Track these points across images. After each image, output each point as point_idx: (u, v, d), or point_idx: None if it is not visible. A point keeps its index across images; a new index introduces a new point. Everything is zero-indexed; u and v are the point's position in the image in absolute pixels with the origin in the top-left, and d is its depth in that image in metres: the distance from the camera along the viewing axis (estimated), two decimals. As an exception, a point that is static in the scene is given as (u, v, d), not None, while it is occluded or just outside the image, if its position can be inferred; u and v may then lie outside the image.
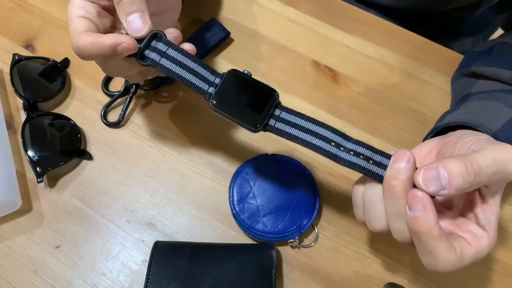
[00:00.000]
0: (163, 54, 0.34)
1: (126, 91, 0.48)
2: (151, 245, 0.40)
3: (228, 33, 0.51)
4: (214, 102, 0.33)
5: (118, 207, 0.44)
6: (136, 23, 0.34)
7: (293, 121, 0.33)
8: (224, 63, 0.51)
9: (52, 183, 0.45)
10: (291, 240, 0.41)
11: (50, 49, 0.52)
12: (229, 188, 0.43)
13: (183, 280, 0.38)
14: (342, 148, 0.32)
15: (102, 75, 0.50)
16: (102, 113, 0.48)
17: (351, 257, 0.42)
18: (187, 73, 0.34)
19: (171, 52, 0.34)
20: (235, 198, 0.42)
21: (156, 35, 0.34)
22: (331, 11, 0.55)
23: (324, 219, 0.43)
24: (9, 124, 0.47)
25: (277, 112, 0.33)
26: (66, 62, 0.51)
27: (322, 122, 0.33)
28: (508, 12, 0.51)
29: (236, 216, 0.41)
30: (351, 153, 0.32)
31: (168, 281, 0.38)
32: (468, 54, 0.49)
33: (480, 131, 0.36)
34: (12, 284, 0.40)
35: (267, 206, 0.42)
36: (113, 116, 0.48)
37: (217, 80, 0.34)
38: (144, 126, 0.48)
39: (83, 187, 0.45)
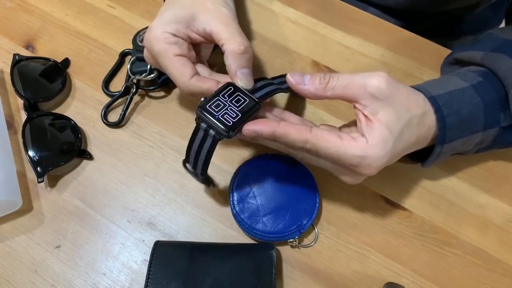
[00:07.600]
0: None
1: (126, 91, 0.48)
2: (151, 244, 0.40)
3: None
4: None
5: (119, 207, 0.44)
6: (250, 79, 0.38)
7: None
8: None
9: (52, 183, 0.45)
10: (291, 240, 0.41)
11: (51, 49, 0.52)
12: (229, 188, 0.43)
13: (183, 280, 0.38)
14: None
15: (102, 75, 0.50)
16: (103, 113, 0.48)
17: (351, 257, 0.42)
18: None
19: None
20: (235, 198, 0.42)
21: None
22: (330, 12, 0.55)
23: (324, 219, 0.43)
24: (10, 124, 0.48)
25: None
26: (66, 62, 0.51)
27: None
28: None
29: (236, 215, 0.41)
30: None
31: (168, 281, 0.38)
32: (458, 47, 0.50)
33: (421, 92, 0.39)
34: (13, 283, 0.40)
35: (267, 206, 0.42)
36: (113, 116, 0.48)
37: None
38: (145, 126, 0.48)
39: (83, 187, 0.45)
